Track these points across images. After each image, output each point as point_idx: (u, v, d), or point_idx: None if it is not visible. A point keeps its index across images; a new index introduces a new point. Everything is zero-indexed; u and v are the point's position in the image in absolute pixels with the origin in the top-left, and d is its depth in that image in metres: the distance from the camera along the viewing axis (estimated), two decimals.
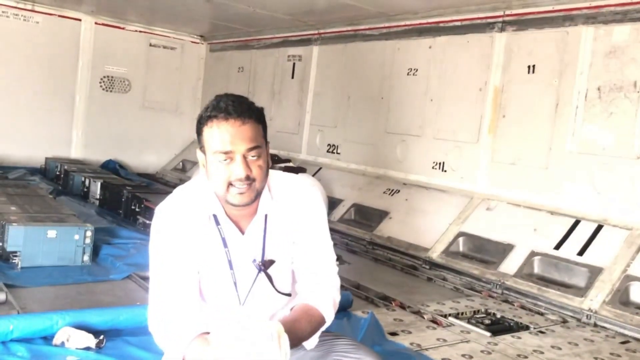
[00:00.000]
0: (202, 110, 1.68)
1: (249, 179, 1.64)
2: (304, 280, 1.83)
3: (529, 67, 4.51)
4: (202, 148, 1.70)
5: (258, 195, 1.71)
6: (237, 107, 1.63)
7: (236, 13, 6.43)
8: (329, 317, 1.79)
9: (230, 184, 1.65)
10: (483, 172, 4.80)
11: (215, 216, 1.75)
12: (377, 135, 5.79)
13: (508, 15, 4.67)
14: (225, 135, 1.62)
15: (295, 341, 1.59)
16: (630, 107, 3.90)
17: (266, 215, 1.77)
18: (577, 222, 4.04)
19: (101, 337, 2.42)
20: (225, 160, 1.63)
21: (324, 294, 1.80)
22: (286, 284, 1.84)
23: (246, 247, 1.77)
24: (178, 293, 1.69)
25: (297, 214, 1.80)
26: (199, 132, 1.68)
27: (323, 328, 1.79)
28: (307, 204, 1.83)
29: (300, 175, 2.15)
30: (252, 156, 1.64)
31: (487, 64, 4.80)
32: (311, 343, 1.76)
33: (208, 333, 1.62)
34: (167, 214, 1.75)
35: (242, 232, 1.77)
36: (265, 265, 1.77)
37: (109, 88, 7.95)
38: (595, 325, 3.45)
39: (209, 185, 1.74)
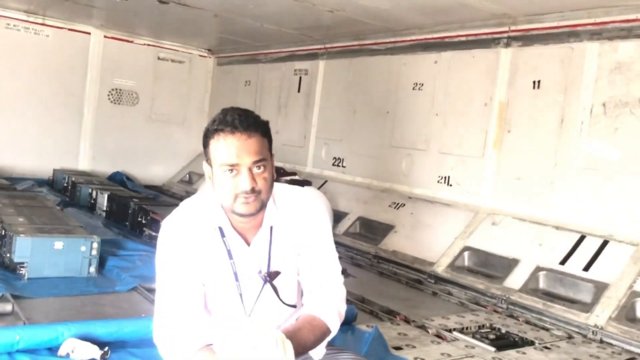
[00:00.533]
0: (209, 124, 1.71)
1: (255, 191, 1.67)
2: (309, 292, 1.84)
3: (534, 82, 4.53)
4: (208, 160, 1.73)
5: (263, 206, 1.73)
6: (243, 121, 1.66)
7: (244, 27, 6.50)
8: (334, 326, 1.80)
9: (236, 196, 1.67)
10: (488, 186, 4.80)
11: (220, 228, 1.77)
12: (382, 149, 5.81)
13: (513, 31, 4.70)
14: (231, 148, 1.65)
15: (299, 349, 1.60)
16: (636, 122, 3.90)
17: (272, 227, 1.79)
18: (582, 238, 4.03)
19: (106, 348, 2.43)
20: (232, 172, 1.66)
21: (328, 305, 1.81)
22: (292, 295, 1.85)
23: (252, 258, 1.79)
24: (183, 305, 1.71)
25: (302, 225, 1.83)
26: (206, 144, 1.71)
27: (329, 338, 1.79)
28: (312, 216, 1.85)
29: (305, 188, 2.16)
30: (258, 169, 1.67)
31: (492, 79, 4.82)
32: (318, 353, 1.77)
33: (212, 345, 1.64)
34: (173, 227, 1.77)
35: (248, 244, 1.79)
36: (271, 276, 1.79)
37: (117, 100, 8.02)
38: (601, 341, 3.43)
39: (214, 198, 1.77)
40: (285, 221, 1.82)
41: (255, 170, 1.67)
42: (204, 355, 1.60)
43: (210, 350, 1.60)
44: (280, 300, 1.81)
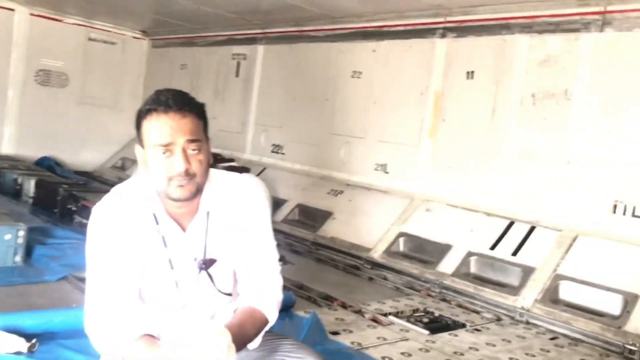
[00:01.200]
0: (142, 105, 1.65)
1: (189, 174, 1.63)
2: (246, 280, 1.83)
3: (468, 72, 4.66)
4: (141, 142, 1.67)
5: (199, 190, 1.69)
6: (177, 101, 1.62)
7: (180, 9, 6.33)
8: (272, 318, 1.80)
9: (170, 179, 1.63)
10: (424, 174, 4.92)
11: (154, 215, 1.73)
12: (321, 136, 5.83)
13: (449, 22, 4.81)
14: (164, 127, 1.60)
15: (241, 345, 1.61)
16: (562, 113, 4.09)
17: (208, 213, 1.76)
18: (511, 224, 4.20)
19: (33, 340, 2.33)
20: (165, 153, 1.61)
21: (267, 295, 1.80)
22: (227, 283, 1.83)
23: (187, 245, 1.75)
24: (116, 293, 1.66)
25: (240, 212, 1.80)
26: (138, 126, 1.66)
27: (266, 328, 1.79)
28: (251, 203, 1.82)
29: (244, 174, 2.14)
30: (192, 149, 1.63)
31: (428, 69, 4.93)
32: (254, 343, 1.76)
33: (150, 335, 1.60)
34: (104, 213, 1.71)
35: (184, 230, 1.75)
36: (207, 264, 1.76)
37: (45, 82, 7.64)
38: (528, 322, 3.60)
39: (148, 183, 1.72)
40: (223, 207, 1.78)
41: (189, 151, 1.62)
42: (141, 345, 1.56)
43: (148, 341, 1.57)
44: (216, 288, 1.79)
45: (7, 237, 3.47)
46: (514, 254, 4.02)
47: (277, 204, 5.57)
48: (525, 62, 4.31)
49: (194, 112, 1.64)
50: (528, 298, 3.71)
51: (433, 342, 3.06)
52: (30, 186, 5.49)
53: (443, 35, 4.84)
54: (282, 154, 6.27)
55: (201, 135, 1.66)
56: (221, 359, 1.47)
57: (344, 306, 3.53)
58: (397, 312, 3.52)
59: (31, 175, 5.70)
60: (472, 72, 4.62)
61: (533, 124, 4.25)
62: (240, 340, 1.59)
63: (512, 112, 4.37)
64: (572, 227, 3.94)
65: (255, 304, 1.77)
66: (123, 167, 7.92)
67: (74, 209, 4.81)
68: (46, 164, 7.24)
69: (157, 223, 1.72)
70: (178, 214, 1.74)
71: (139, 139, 1.67)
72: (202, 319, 1.77)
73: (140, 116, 1.64)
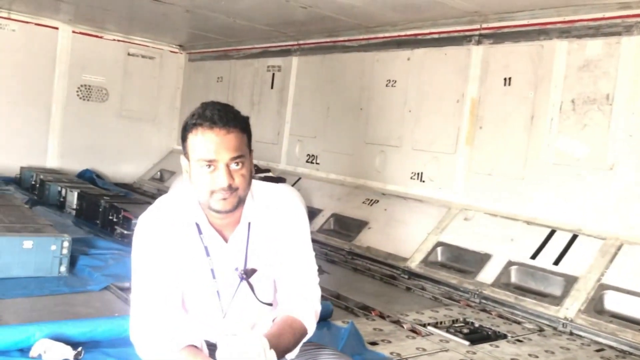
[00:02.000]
0: (188, 117, 1.68)
1: (232, 188, 1.65)
2: (285, 290, 1.84)
3: (505, 79, 4.60)
4: (186, 154, 1.70)
5: (241, 202, 1.71)
6: (222, 116, 1.64)
7: (216, 23, 6.44)
8: (311, 328, 1.80)
9: (213, 192, 1.65)
10: (460, 182, 4.87)
11: (197, 225, 1.75)
12: (356, 146, 5.83)
13: (485, 29, 4.76)
14: (209, 144, 1.62)
15: (280, 355, 1.61)
16: (603, 119, 3.99)
17: (249, 224, 1.78)
18: (552, 232, 4.11)
19: (79, 349, 2.38)
20: (209, 168, 1.64)
21: (305, 305, 1.80)
22: (268, 293, 1.84)
23: (229, 255, 1.77)
24: (161, 303, 1.68)
25: (280, 223, 1.82)
26: (184, 138, 1.69)
27: (305, 339, 1.79)
28: (291, 214, 1.84)
29: (281, 185, 2.16)
30: (236, 165, 1.65)
31: (464, 76, 4.88)
32: (292, 354, 1.76)
33: (194, 346, 1.62)
34: (149, 224, 1.74)
35: (225, 241, 1.77)
36: (248, 273, 1.77)
37: (86, 97, 7.87)
38: (571, 333, 3.51)
39: (191, 194, 1.75)
40: (263, 218, 1.80)
41: (233, 166, 1.65)
42: (186, 355, 1.58)
43: (193, 350, 1.59)
44: (257, 298, 1.80)
45: (53, 247, 3.57)
46: (556, 263, 3.93)
47: (312, 213, 5.58)
48: (564, 68, 4.23)
49: (238, 127, 1.67)
50: (571, 308, 3.61)
51: (474, 353, 3.00)
52: (73, 198, 5.64)
53: (479, 42, 4.80)
54: (317, 163, 6.29)
55: (244, 150, 1.68)
56: None
57: (381, 316, 3.50)
58: (436, 323, 3.47)
59: (74, 187, 5.86)
60: (510, 78, 4.56)
61: (573, 130, 4.16)
62: (279, 350, 1.59)
63: (551, 119, 4.29)
64: (616, 235, 3.83)
65: (293, 313, 1.77)
66: (162, 179, 8.07)
67: (115, 220, 4.91)
68: (88, 177, 7.44)
69: (200, 233, 1.75)
70: (220, 225, 1.77)
71: (184, 150, 1.71)
72: (242, 329, 1.78)
73: (186, 129, 1.67)
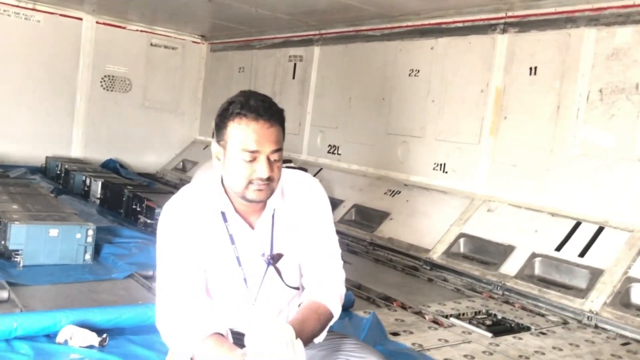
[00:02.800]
0: (228, 104, 1.68)
1: (270, 180, 1.67)
2: (309, 275, 1.84)
3: (530, 68, 4.52)
4: (221, 142, 1.70)
5: (273, 192, 1.73)
6: (267, 109, 1.65)
7: (237, 13, 6.44)
8: (337, 312, 1.80)
9: (250, 182, 1.66)
10: (484, 173, 4.81)
11: (223, 213, 1.76)
12: (378, 136, 5.80)
13: (510, 17, 4.68)
14: (254, 135, 1.64)
15: (307, 340, 1.62)
16: (632, 109, 3.90)
17: (274, 210, 1.79)
18: (578, 224, 4.05)
19: (104, 335, 2.42)
20: (250, 158, 1.65)
21: (330, 290, 1.81)
22: (295, 277, 1.85)
23: (255, 242, 1.78)
24: (187, 291, 1.69)
25: (304, 208, 1.83)
26: (223, 125, 1.68)
27: (331, 323, 1.79)
28: (314, 199, 1.85)
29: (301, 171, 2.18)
30: (275, 158, 1.67)
31: (488, 66, 4.81)
32: (320, 337, 1.77)
33: (219, 334, 1.63)
34: (174, 212, 1.75)
35: (252, 227, 1.78)
36: (274, 258, 1.78)
37: (110, 87, 7.95)
38: (596, 326, 3.45)
39: (217, 181, 1.76)
40: (287, 204, 1.81)
41: (272, 159, 1.67)
42: (212, 343, 1.59)
43: (219, 338, 1.60)
44: (284, 282, 1.81)
45: (78, 236, 3.62)
46: (581, 255, 3.87)
47: (333, 204, 5.53)
48: (592, 56, 4.15)
49: (279, 121, 1.69)
50: (597, 301, 3.56)
51: (497, 345, 2.98)
52: (97, 187, 5.71)
53: (504, 31, 4.72)
54: (339, 154, 6.27)
55: (282, 144, 1.71)
56: (286, 355, 1.48)
57: (403, 307, 3.49)
58: (459, 314, 3.45)
59: (98, 177, 5.93)
60: (535, 67, 4.48)
61: (600, 120, 4.07)
62: (304, 336, 1.59)
63: (578, 109, 4.21)
64: None
65: (318, 298, 1.78)
66: (184, 169, 8.13)
67: (138, 209, 4.96)
68: (111, 166, 7.53)
69: (225, 221, 1.76)
70: (245, 212, 1.78)
71: (219, 137, 1.71)
72: (269, 315, 1.79)
73: (226, 116, 1.67)
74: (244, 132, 1.64)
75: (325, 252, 1.85)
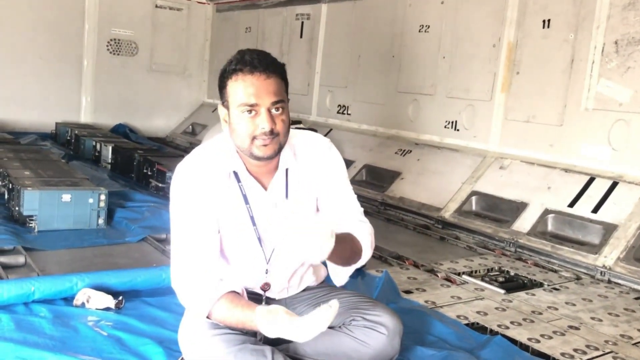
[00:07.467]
0: (226, 64, 1.67)
1: (273, 133, 1.65)
2: (340, 218, 1.81)
3: (544, 21, 4.40)
4: (224, 103, 1.69)
5: (281, 148, 1.71)
6: (262, 61, 1.63)
7: None
8: (367, 254, 1.79)
9: (254, 137, 1.64)
10: (496, 130, 4.75)
11: (236, 173, 1.75)
12: (388, 95, 5.73)
13: None
14: (250, 88, 1.61)
15: (336, 257, 1.59)
16: None
17: (287, 170, 1.77)
18: (591, 180, 4.01)
19: (120, 297, 2.45)
20: (250, 113, 1.63)
21: (363, 228, 1.80)
22: None
23: (268, 202, 1.77)
24: (200, 251, 1.70)
25: (318, 168, 1.82)
26: (223, 86, 1.68)
27: (358, 265, 1.78)
28: (328, 158, 1.84)
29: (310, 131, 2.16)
30: (276, 110, 1.65)
31: (500, 20, 4.69)
32: (342, 278, 1.77)
33: (235, 292, 1.64)
34: (186, 173, 1.75)
35: (264, 188, 1.77)
36: None
37: (116, 51, 7.88)
38: (609, 281, 3.45)
39: (229, 142, 1.74)
40: (301, 164, 1.80)
41: (274, 111, 1.65)
42: (227, 301, 1.60)
43: (234, 296, 1.61)
44: None
45: (90, 200, 3.64)
46: (595, 211, 3.84)
47: None
48: (607, 7, 4.02)
49: (277, 72, 1.66)
50: (610, 257, 3.55)
51: (510, 301, 2.99)
52: (108, 152, 5.72)
53: None
54: (348, 114, 6.21)
55: (284, 96, 1.68)
56: (320, 243, 1.47)
57: (415, 265, 3.50)
58: (471, 272, 3.46)
59: (108, 142, 5.93)
60: (549, 20, 4.36)
61: (616, 73, 3.98)
62: (338, 249, 1.55)
63: (592, 62, 4.11)
64: None
65: (355, 232, 1.76)
66: (193, 132, 8.11)
67: (149, 173, 4.97)
68: (121, 131, 7.52)
69: (238, 181, 1.75)
70: (258, 172, 1.77)
71: (222, 99, 1.69)
72: (288, 268, 1.77)
73: (225, 76, 1.66)
74: (242, 86, 1.62)
75: (348, 201, 1.84)
